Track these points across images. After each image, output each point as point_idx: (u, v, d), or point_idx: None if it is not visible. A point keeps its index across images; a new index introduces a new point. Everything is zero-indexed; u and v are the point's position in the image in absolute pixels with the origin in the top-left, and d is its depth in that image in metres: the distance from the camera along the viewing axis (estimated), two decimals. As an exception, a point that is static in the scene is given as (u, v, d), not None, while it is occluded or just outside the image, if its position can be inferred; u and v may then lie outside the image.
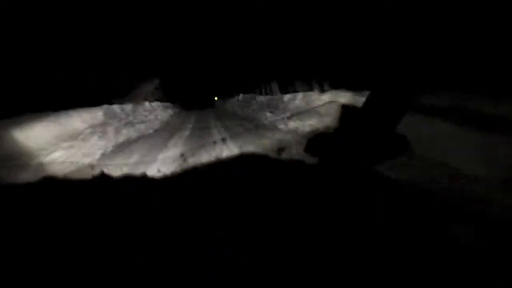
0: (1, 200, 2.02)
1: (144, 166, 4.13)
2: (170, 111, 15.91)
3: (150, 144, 6.25)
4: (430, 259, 1.36)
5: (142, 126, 9.13)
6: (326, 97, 7.37)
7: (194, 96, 32.19)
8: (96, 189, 2.48)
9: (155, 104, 14.72)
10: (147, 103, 13.30)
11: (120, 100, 10.97)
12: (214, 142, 6.03)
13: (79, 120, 6.68)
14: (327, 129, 5.54)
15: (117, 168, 3.99)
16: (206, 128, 9.13)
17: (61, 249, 1.40)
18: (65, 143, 5.14)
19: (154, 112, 12.91)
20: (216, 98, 31.23)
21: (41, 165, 4.20)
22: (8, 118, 5.01)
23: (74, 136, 5.73)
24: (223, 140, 6.28)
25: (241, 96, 19.83)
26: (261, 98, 14.62)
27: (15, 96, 5.92)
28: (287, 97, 9.89)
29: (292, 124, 6.99)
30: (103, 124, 7.60)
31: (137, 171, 3.86)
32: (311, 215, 1.68)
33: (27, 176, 3.32)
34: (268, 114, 9.34)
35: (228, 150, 5.00)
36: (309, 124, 6.37)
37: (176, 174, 3.48)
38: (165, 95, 19.96)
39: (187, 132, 8.51)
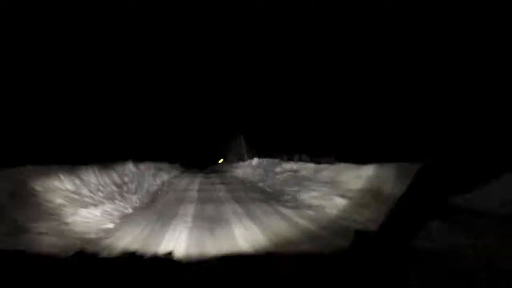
0: None
1: None
2: (163, 176, 11.71)
3: None
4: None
5: (106, 208, 4.90)
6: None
7: (194, 155, 28.21)
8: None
9: (143, 166, 10.62)
10: (130, 165, 9.20)
11: (85, 158, 6.92)
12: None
13: None
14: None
15: None
16: (219, 218, 4.92)
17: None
18: None
19: (139, 178, 8.74)
20: (221, 161, 27.11)
21: None
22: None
23: None
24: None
25: (255, 161, 15.86)
26: (290, 165, 10.59)
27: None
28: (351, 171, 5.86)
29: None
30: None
31: None
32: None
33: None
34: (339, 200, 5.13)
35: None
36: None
37: None
38: (155, 152, 16.04)
39: (187, 224, 4.37)
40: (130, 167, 9.09)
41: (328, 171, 7.10)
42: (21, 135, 5.92)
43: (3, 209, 3.59)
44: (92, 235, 3.73)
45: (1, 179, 4.11)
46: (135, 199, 6.35)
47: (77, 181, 5.51)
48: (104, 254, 1.42)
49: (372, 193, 4.89)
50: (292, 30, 9.82)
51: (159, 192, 7.90)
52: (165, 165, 15.64)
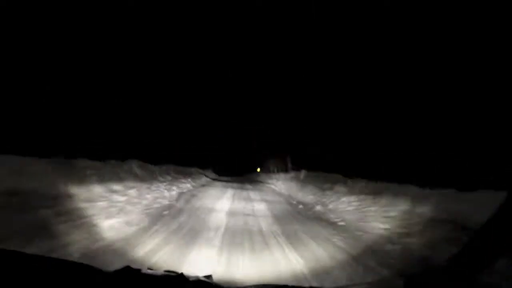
0: None
1: None
2: (183, 184, 8.77)
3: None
4: None
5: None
6: None
7: (226, 162, 25.18)
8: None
9: (157, 168, 7.77)
10: (133, 165, 6.36)
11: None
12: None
13: None
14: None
15: None
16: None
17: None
18: None
19: (142, 186, 5.86)
20: (258, 170, 23.85)
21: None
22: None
23: None
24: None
25: (303, 174, 12.55)
26: (356, 184, 7.28)
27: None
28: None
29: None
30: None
31: None
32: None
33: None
34: None
35: None
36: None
37: None
38: (186, 155, 13.57)
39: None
40: (132, 168, 6.25)
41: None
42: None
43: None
44: None
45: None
46: (108, 227, 3.38)
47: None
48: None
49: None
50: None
51: (167, 212, 4.90)
52: (191, 170, 12.84)
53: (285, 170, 15.37)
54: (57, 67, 6.17)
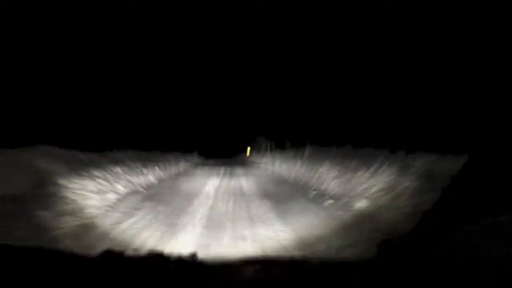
0: None
1: None
2: (147, 177, 5.90)
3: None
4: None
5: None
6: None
7: (211, 141, 22.26)
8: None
9: (111, 156, 4.91)
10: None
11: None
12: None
13: None
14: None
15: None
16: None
17: None
18: None
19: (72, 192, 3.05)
20: (248, 149, 21.00)
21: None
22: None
23: None
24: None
25: (308, 150, 9.82)
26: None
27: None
28: None
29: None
30: None
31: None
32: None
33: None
34: None
35: None
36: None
37: None
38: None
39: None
40: (36, 157, 3.42)
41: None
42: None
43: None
44: None
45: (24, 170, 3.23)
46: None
47: None
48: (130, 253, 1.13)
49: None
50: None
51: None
52: (165, 155, 9.99)
53: (282, 147, 12.61)
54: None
